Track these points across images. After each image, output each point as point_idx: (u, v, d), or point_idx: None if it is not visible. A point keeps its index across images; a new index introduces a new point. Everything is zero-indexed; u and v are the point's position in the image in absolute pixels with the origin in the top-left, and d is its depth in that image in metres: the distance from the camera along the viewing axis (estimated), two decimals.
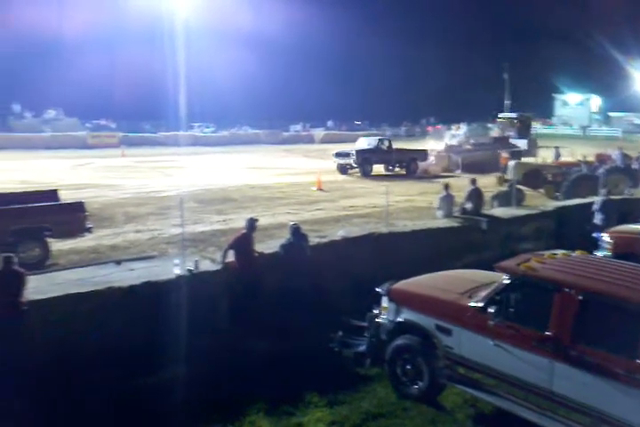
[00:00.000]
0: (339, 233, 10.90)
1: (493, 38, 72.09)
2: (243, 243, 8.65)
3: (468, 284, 7.28)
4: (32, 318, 7.04)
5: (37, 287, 7.52)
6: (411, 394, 7.04)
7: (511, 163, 21.54)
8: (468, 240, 11.70)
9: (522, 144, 34.09)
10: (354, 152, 27.42)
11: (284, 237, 9.34)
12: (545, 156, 29.40)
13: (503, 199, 15.69)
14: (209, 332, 7.68)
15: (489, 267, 7.35)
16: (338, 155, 28.32)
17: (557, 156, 27.45)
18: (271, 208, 17.92)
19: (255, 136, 51.67)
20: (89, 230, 11.94)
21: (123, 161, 33.52)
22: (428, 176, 27.26)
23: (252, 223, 8.86)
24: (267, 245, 9.57)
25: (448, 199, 13.11)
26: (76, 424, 6.43)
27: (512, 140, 34.63)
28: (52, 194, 12.38)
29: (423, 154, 29.57)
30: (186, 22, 46.23)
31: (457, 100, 64.88)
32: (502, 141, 33.40)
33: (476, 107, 56.15)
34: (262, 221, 10.85)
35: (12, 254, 7.46)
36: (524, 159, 27.35)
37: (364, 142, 29.46)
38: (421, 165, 28.81)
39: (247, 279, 8.41)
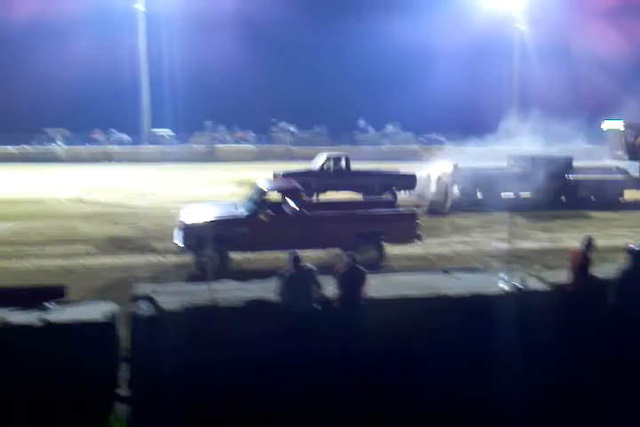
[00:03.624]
0: None
1: None
2: (580, 264, 8.20)
3: None
4: (369, 313, 7.67)
5: (374, 286, 8.29)
6: None
7: None
8: None
9: (632, 169, 21.87)
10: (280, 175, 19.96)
11: (618, 262, 8.55)
12: None
13: None
14: (538, 356, 7.38)
15: None
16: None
17: None
18: (604, 229, 16.58)
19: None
20: (420, 238, 12.71)
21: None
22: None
23: (589, 243, 8.34)
24: (599, 269, 8.90)
25: None
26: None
27: (617, 162, 22.69)
28: (390, 202, 13.62)
29: (404, 179, 21.03)
30: (521, 37, 45.88)
31: None
32: (555, 164, 20.86)
33: None
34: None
35: (355, 253, 8.40)
36: None
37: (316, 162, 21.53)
38: (412, 194, 20.83)
39: (581, 304, 7.92)
